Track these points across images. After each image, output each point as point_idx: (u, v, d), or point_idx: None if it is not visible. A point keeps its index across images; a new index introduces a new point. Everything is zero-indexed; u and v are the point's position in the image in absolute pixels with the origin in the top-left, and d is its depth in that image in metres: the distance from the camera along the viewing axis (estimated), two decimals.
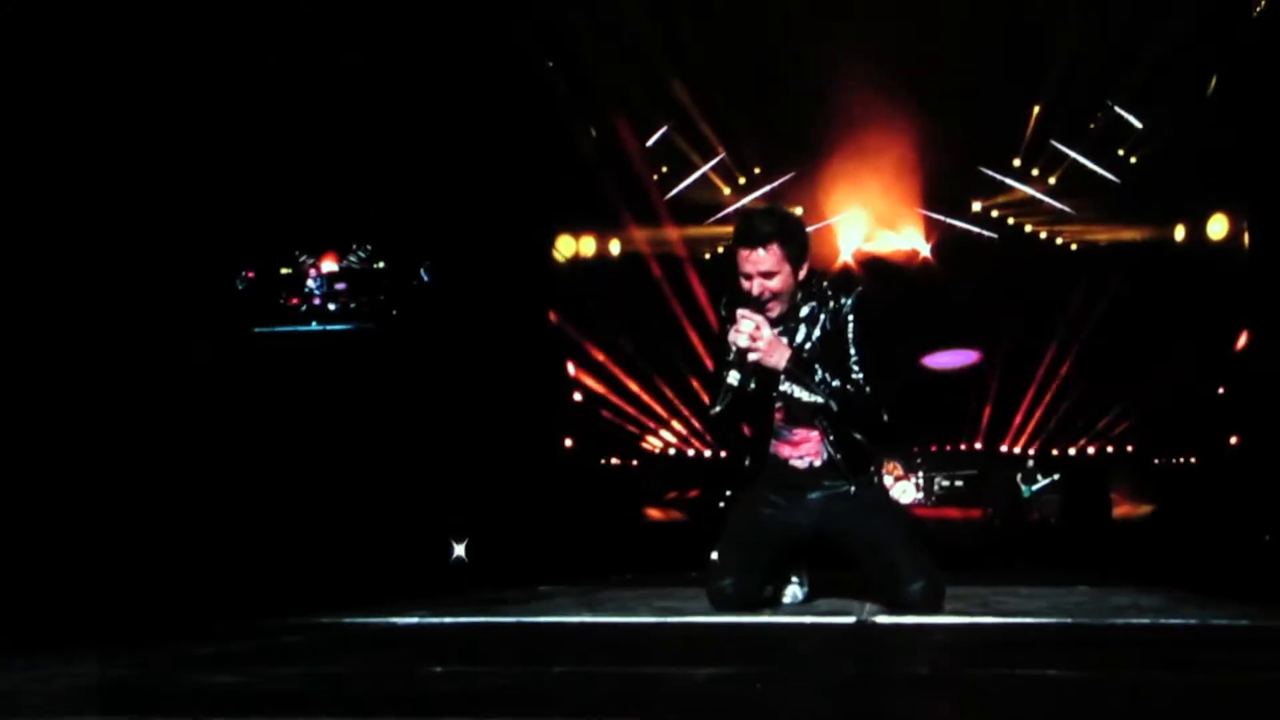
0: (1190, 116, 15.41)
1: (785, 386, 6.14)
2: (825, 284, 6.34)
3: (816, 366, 6.09)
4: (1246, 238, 14.96)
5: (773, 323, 6.11)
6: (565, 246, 16.77)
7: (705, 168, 18.06)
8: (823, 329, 6.21)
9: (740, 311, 6.08)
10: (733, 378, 6.10)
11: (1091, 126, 17.08)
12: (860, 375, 6.14)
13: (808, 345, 6.19)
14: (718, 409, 6.34)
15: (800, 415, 6.28)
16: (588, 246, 17.14)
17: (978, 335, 18.78)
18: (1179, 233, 16.61)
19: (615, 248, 17.59)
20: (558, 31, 15.21)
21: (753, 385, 6.12)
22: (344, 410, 13.16)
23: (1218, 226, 15.69)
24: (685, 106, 17.16)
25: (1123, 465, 16.87)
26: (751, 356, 6.02)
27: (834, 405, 6.08)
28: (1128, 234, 17.40)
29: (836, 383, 6.08)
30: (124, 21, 11.13)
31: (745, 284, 6.16)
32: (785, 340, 6.14)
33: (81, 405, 10.79)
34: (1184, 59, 14.94)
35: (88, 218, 11.12)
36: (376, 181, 13.80)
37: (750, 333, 6.00)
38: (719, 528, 6.65)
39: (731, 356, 6.10)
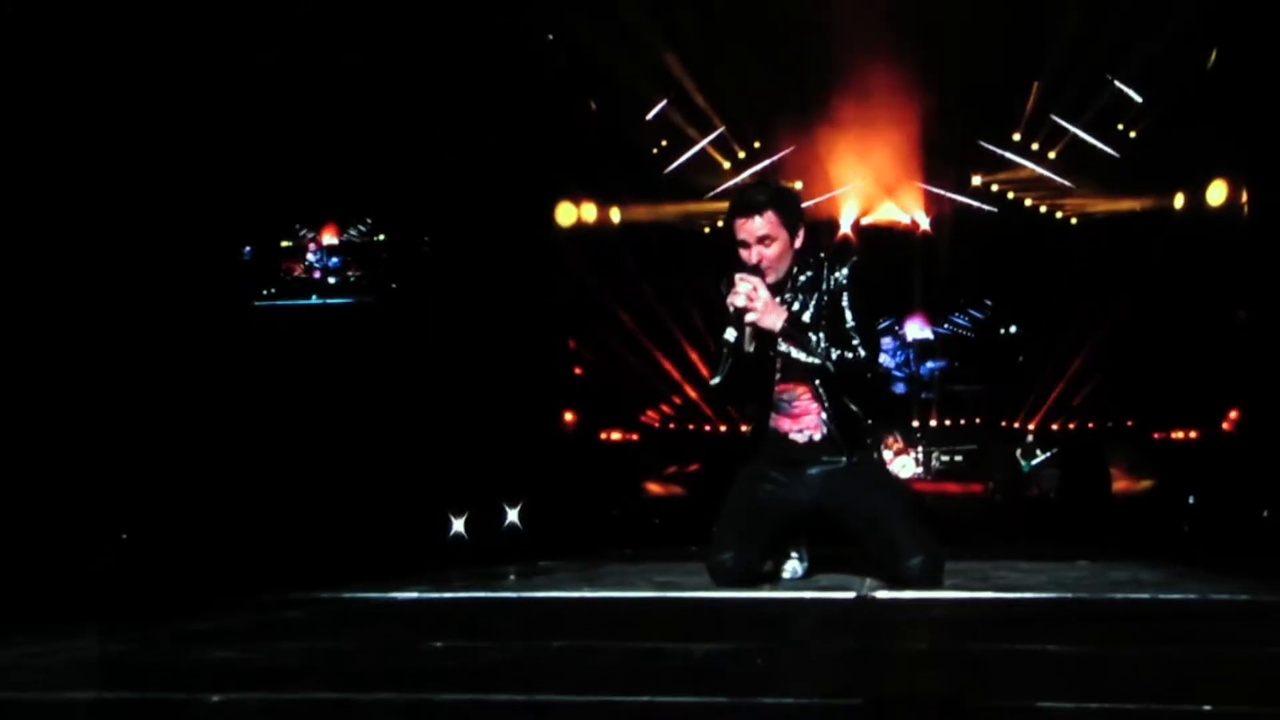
0: (1190, 89, 15.42)
1: (782, 347, 6.15)
2: (822, 256, 6.39)
3: (811, 333, 6.12)
4: (1245, 202, 14.95)
5: (770, 291, 6.12)
6: (566, 214, 16.76)
7: (704, 142, 18.07)
8: (819, 300, 6.25)
9: (738, 275, 6.13)
10: (730, 334, 6.17)
11: (1092, 101, 17.07)
12: (858, 341, 6.16)
13: (805, 315, 6.21)
14: (718, 379, 6.39)
15: (798, 376, 6.31)
16: (589, 213, 17.14)
17: (977, 309, 18.85)
18: (1178, 201, 16.62)
19: (615, 216, 17.61)
20: (558, 6, 15.20)
21: (751, 348, 6.14)
22: (344, 384, 13.16)
23: (1217, 192, 15.68)
24: (684, 81, 17.16)
25: (1122, 440, 16.89)
26: (749, 317, 6.06)
27: (830, 366, 6.09)
28: (1127, 205, 17.44)
29: (834, 349, 6.09)
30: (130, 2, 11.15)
31: (744, 253, 6.24)
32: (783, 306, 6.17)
33: (82, 380, 10.79)
34: (1184, 33, 14.93)
35: (91, 191, 11.12)
36: (377, 154, 13.79)
37: (748, 293, 6.06)
38: (719, 502, 6.66)
39: (730, 316, 6.14)
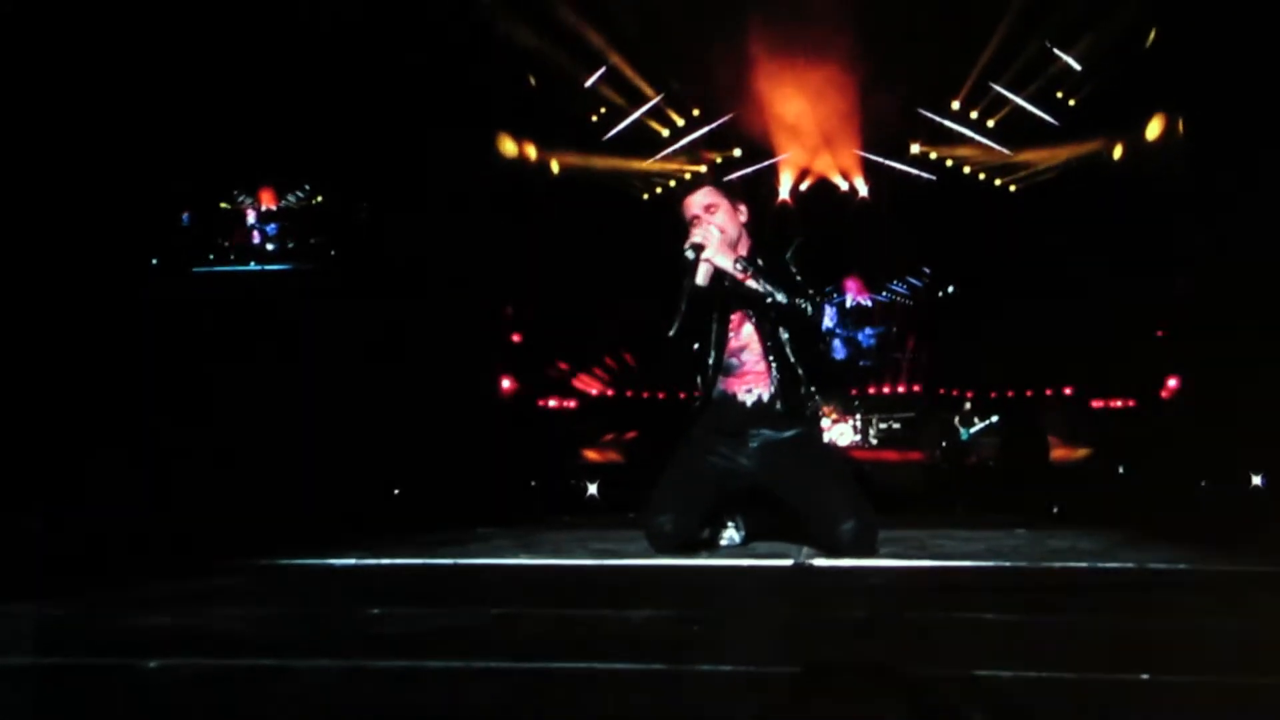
0: (1128, 61, 15.51)
1: (736, 275, 6.25)
2: (768, 240, 6.58)
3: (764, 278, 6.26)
4: (1181, 127, 14.98)
5: None
6: (507, 147, 16.74)
7: (641, 110, 18.07)
8: (769, 271, 6.31)
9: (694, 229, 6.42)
10: (689, 252, 6.34)
11: (1032, 70, 17.15)
12: (811, 291, 6.31)
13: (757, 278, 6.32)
14: (673, 330, 6.45)
15: (749, 304, 6.49)
16: (530, 152, 17.20)
17: (916, 276, 18.92)
18: (1117, 151, 16.73)
19: (555, 166, 17.69)
20: None
21: (702, 281, 6.37)
22: (284, 352, 13.10)
23: (1155, 128, 15.77)
24: (622, 49, 17.13)
25: (1061, 407, 16.98)
26: (704, 254, 6.31)
27: (780, 297, 6.22)
28: (1065, 154, 17.55)
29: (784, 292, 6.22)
30: None
31: (695, 230, 6.42)
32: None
33: (18, 348, 10.71)
34: (1124, 10, 15.05)
35: (25, 161, 11.02)
36: (315, 118, 13.72)
37: (703, 233, 6.34)
38: (657, 470, 6.68)
39: (686, 247, 6.41)
